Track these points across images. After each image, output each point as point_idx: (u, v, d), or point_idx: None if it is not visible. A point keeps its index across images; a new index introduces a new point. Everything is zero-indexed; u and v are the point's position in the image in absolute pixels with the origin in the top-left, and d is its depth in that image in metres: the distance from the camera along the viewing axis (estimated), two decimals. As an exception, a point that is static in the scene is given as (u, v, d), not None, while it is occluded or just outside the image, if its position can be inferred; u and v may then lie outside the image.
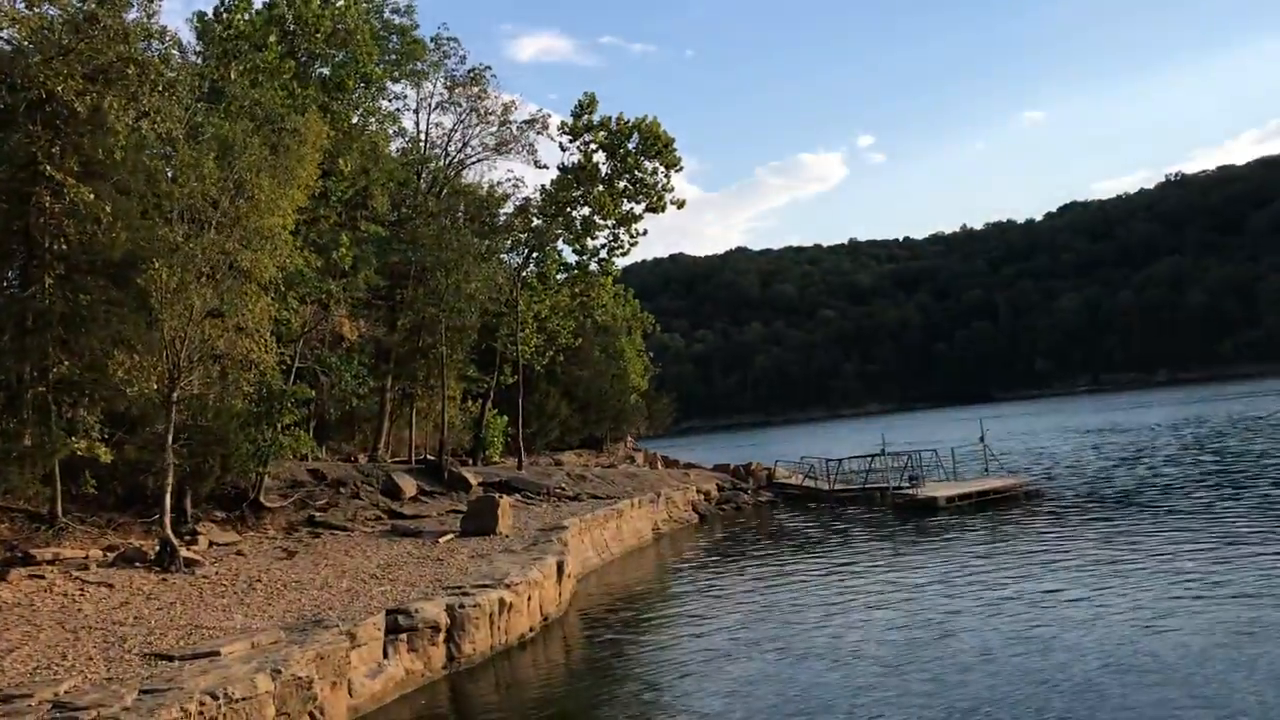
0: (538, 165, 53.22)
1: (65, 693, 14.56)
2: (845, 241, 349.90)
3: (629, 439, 73.83)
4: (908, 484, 47.53)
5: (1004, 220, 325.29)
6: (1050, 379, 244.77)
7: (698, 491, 50.80)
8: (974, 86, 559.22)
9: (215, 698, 14.29)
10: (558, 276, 55.37)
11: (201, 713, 14.04)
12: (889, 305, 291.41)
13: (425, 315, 43.31)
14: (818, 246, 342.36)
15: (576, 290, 56.03)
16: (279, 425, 30.30)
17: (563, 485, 44.04)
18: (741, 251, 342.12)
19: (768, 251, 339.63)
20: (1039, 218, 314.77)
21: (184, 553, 24.69)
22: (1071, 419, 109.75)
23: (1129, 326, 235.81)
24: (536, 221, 51.95)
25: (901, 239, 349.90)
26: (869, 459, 52.14)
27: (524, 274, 52.46)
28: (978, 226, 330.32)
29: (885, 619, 22.54)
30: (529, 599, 23.67)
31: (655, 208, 52.22)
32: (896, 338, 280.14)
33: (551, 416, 60.13)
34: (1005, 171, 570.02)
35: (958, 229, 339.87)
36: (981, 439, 52.35)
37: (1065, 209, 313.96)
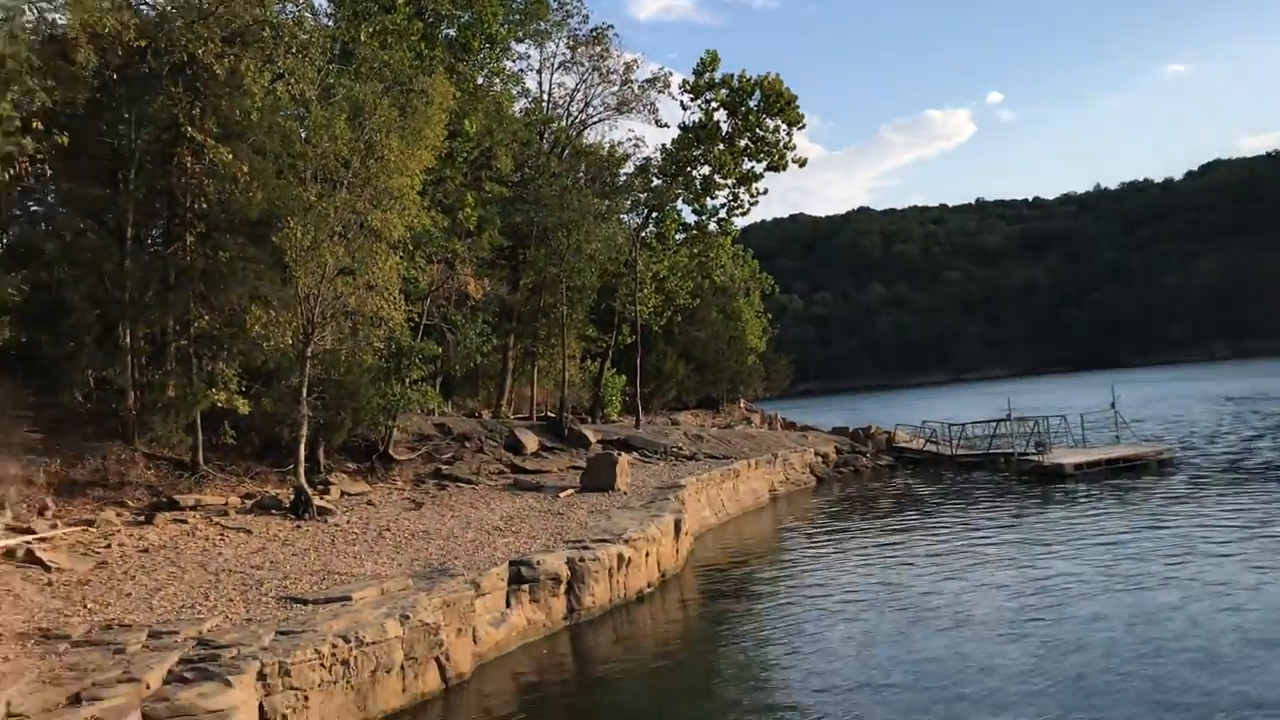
0: (659, 124, 53.25)
1: (208, 631, 15.34)
2: (972, 201, 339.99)
3: (745, 400, 73.68)
4: (1034, 450, 46.24)
5: (1140, 180, 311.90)
6: (1187, 345, 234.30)
7: (815, 454, 50.45)
8: (1112, 39, 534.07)
9: (347, 641, 14.86)
10: (676, 237, 55.35)
11: (334, 654, 14.63)
12: (1017, 267, 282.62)
13: (547, 275, 43.87)
14: (943, 206, 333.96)
15: (695, 250, 55.91)
16: (407, 380, 31.15)
17: (679, 445, 44.26)
18: (864, 211, 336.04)
19: (891, 211, 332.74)
20: (1178, 177, 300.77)
21: (317, 501, 25.67)
22: (1210, 386, 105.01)
23: (1275, 291, 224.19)
24: (656, 181, 51.95)
25: (1031, 199, 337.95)
26: (994, 424, 50.87)
27: (643, 234, 52.61)
28: (1112, 186, 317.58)
29: (1004, 584, 22.12)
30: (647, 555, 23.93)
31: (776, 166, 51.66)
32: (1024, 301, 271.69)
33: (669, 376, 60.39)
34: (1143, 129, 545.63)
35: (1091, 189, 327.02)
36: (1113, 405, 50.65)
37: (1207, 168, 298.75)
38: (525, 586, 20.05)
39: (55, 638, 14.83)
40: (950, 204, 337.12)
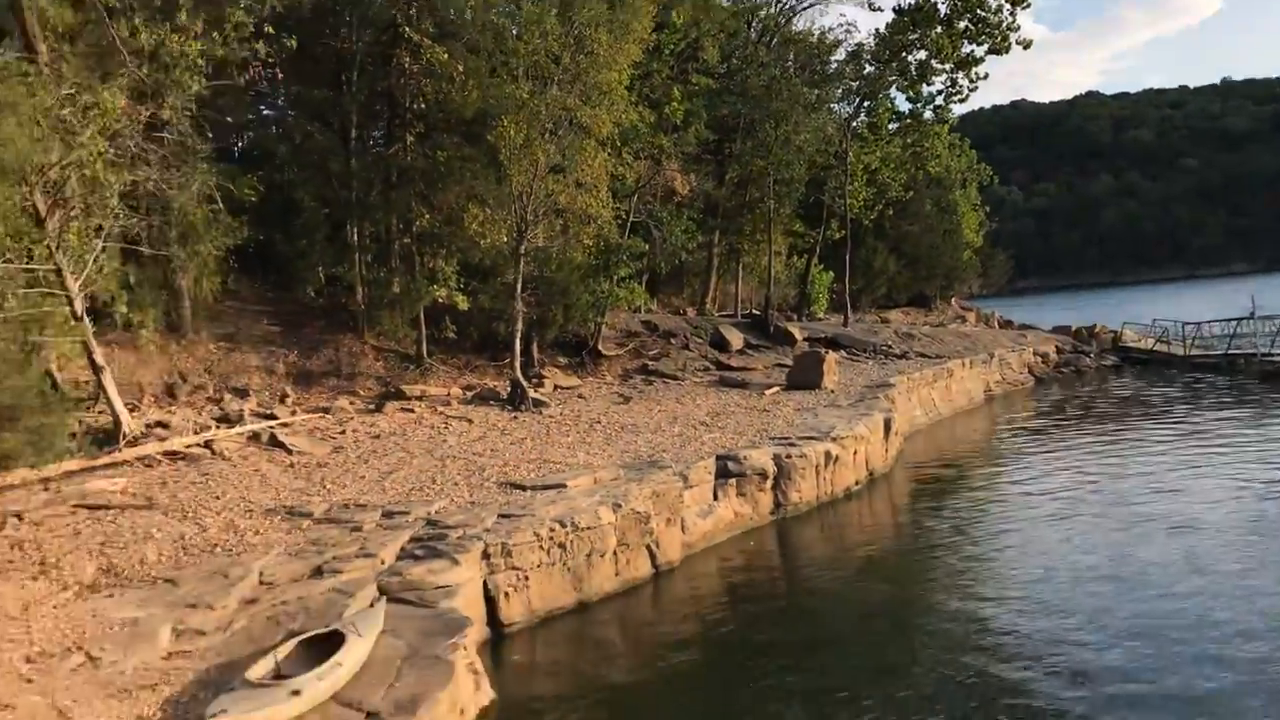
0: (871, 8, 50.85)
1: (436, 512, 16.24)
2: (1216, 82, 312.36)
3: (959, 298, 71.25)
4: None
5: None
6: None
7: (1034, 353, 48.44)
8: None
9: (563, 525, 15.43)
10: (890, 126, 53.39)
11: (551, 537, 15.24)
12: (1265, 152, 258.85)
13: (753, 169, 43.24)
14: (1182, 89, 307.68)
15: (909, 140, 53.84)
16: (615, 277, 31.61)
17: (889, 343, 43.36)
18: (1092, 96, 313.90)
19: (1123, 95, 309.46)
20: None
21: (532, 394, 26.58)
22: None
23: None
24: (868, 68, 49.99)
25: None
26: (1234, 323, 47.33)
27: (854, 124, 50.98)
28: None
29: (1233, 492, 20.73)
30: (855, 453, 23.71)
31: (998, 49, 48.73)
32: (1273, 189, 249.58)
33: (879, 273, 58.95)
34: None
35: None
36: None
37: None
38: (732, 481, 20.25)
39: (299, 515, 16.03)
40: (1191, 85, 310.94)
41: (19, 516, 14.63)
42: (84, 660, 10.48)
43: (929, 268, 62.87)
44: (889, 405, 28.21)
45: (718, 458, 20.47)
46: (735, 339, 38.30)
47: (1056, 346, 50.90)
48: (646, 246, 34.16)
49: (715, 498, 19.91)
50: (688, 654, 13.88)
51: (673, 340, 36.90)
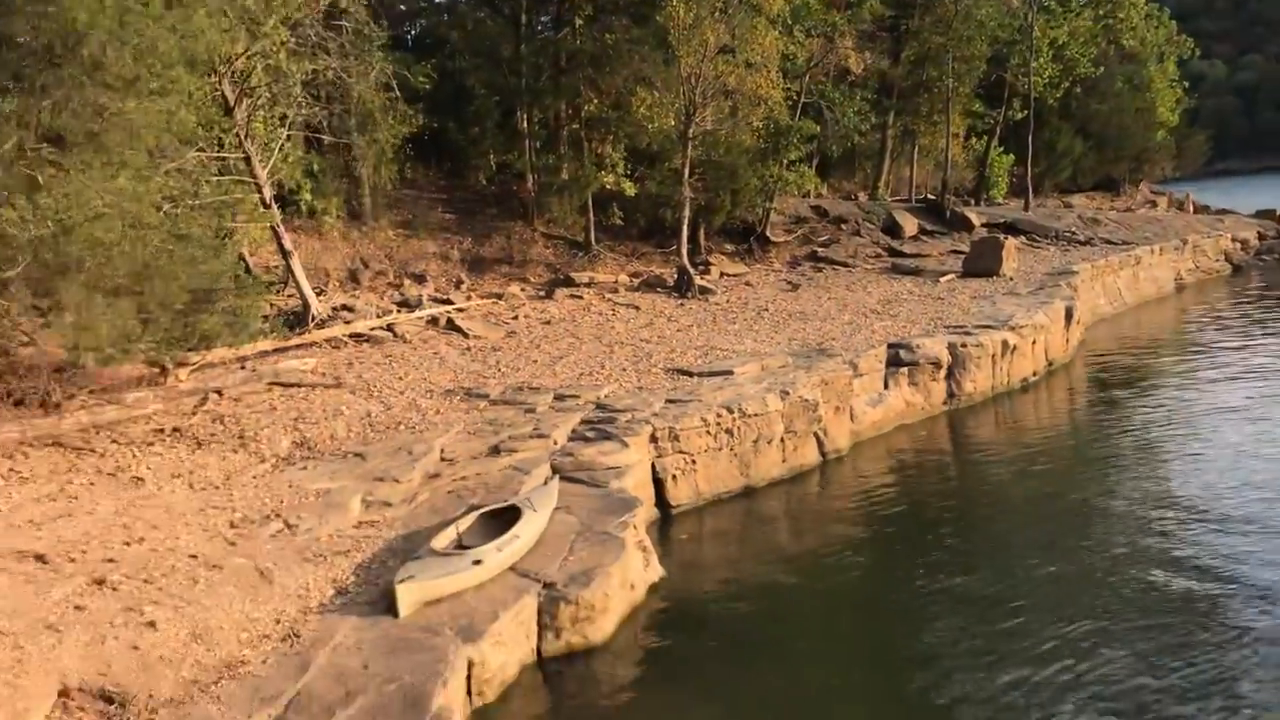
0: None
1: (605, 396, 16.53)
2: None
3: (1151, 181, 67.03)
4: None
5: None
6: None
7: (1232, 240, 45.37)
8: None
9: (730, 411, 15.49)
10: (1079, -3, 49.95)
11: (719, 423, 15.34)
12: None
13: (931, 45, 41.21)
14: None
15: (1101, 12, 50.30)
16: (785, 161, 30.93)
17: (1072, 229, 41.31)
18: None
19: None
20: None
21: (698, 281, 26.55)
22: None
23: None
24: (1058, -67, 46.69)
25: None
26: None
27: (1040, -4, 47.89)
28: None
29: None
30: (1033, 343, 22.89)
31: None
32: None
33: (1063, 155, 55.80)
34: None
35: None
36: None
37: None
38: (903, 370, 19.88)
39: (476, 396, 16.59)
40: None
41: (219, 393, 15.61)
42: (282, 527, 11.20)
43: (1118, 149, 59.05)
44: (1071, 293, 27.02)
45: (889, 346, 20.11)
46: (909, 225, 37.21)
47: (1259, 233, 47.55)
48: (818, 129, 33.21)
49: (886, 387, 19.62)
50: (852, 542, 13.86)
51: (843, 226, 36.11)
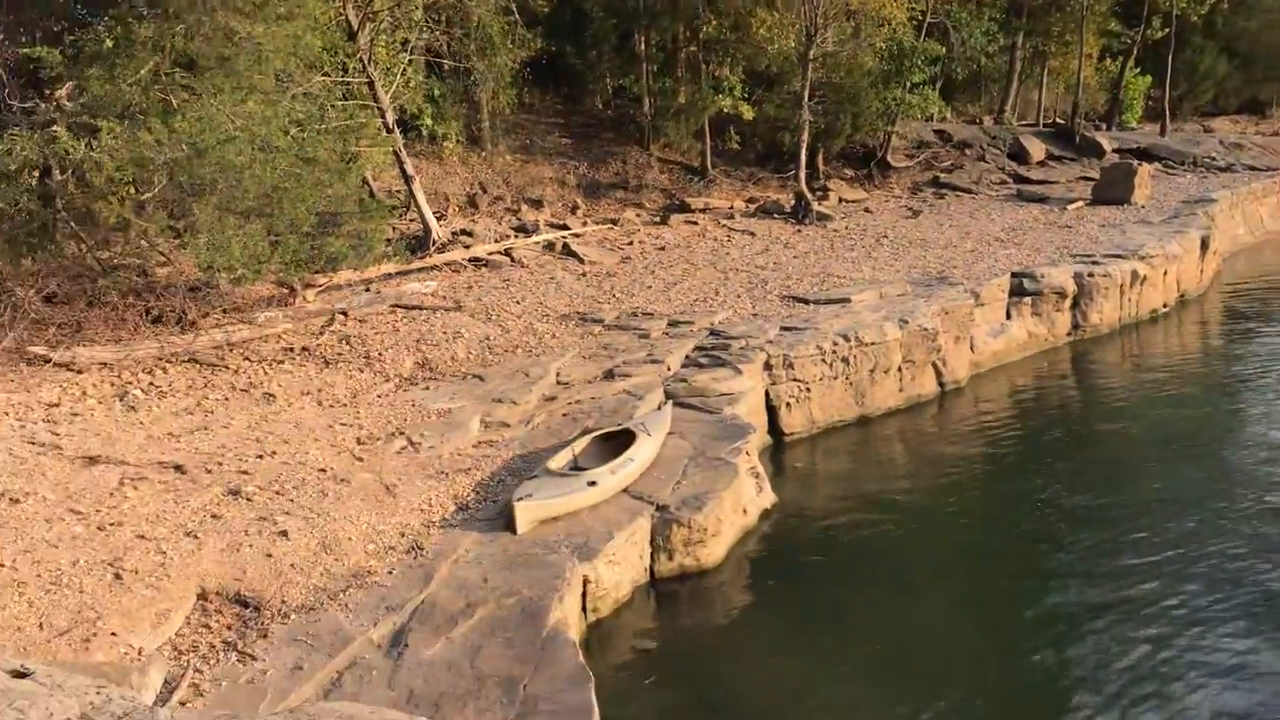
0: None
1: (719, 323, 16.50)
2: None
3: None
4: None
5: None
6: None
7: (1390, 165, 42.64)
8: None
9: (846, 339, 15.32)
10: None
11: (834, 351, 15.18)
12: None
13: (1064, -41, 39.32)
14: None
15: (1253, -79, 47.22)
16: (908, 84, 30.04)
17: (1213, 154, 39.35)
18: None
19: None
20: None
21: (816, 207, 26.16)
22: None
23: None
24: None
25: None
26: None
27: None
28: None
29: None
30: (1164, 273, 22.00)
31: None
32: None
33: (1204, 76, 52.89)
34: None
35: None
36: None
37: None
38: (1027, 299, 19.36)
39: (591, 320, 16.73)
40: None
41: (345, 314, 16.05)
42: (406, 444, 11.54)
43: (1266, 69, 55.61)
44: (1207, 222, 25.83)
45: (1013, 275, 19.57)
46: (1036, 150, 35.92)
47: None
48: (943, 50, 32.11)
49: (1008, 317, 19.15)
50: (969, 474, 13.67)
51: (967, 151, 35.05)
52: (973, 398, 16.87)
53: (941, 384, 16.77)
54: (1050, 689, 8.73)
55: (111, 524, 9.21)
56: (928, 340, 16.33)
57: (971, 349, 17.80)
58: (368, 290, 17.66)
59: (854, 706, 8.59)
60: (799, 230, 24.89)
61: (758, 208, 26.81)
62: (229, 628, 8.07)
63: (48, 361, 12.98)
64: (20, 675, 3.64)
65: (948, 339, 16.89)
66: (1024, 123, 42.69)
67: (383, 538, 9.48)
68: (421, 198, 20.81)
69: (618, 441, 11.36)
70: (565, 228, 23.49)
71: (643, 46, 28.96)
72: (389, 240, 19.61)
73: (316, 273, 16.33)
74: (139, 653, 7.54)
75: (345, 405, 12.78)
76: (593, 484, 10.30)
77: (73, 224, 14.36)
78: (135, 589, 8.22)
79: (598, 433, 11.68)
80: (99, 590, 8.15)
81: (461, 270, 19.88)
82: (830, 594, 10.35)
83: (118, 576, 8.36)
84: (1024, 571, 10.78)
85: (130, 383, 12.85)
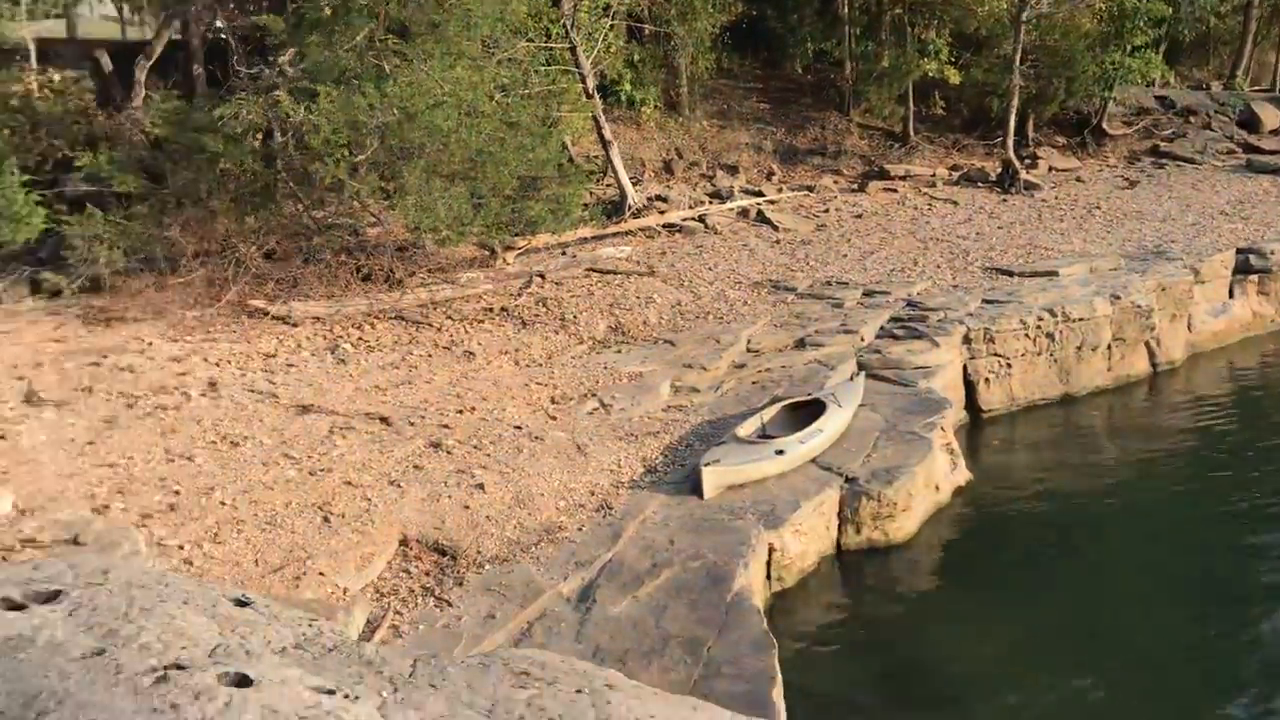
0: None
1: (917, 294, 16.08)
2: None
3: None
4: None
5: None
6: None
7: None
8: None
9: (1053, 314, 14.68)
10: None
11: (1039, 327, 14.58)
12: None
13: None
14: None
15: None
16: (1128, 47, 28.29)
17: None
18: None
19: None
20: None
21: (1024, 175, 25.05)
22: None
23: None
24: None
25: None
26: None
27: None
28: None
29: None
30: None
31: None
32: None
33: None
34: None
35: None
36: None
37: None
38: (1253, 277, 18.08)
39: (783, 289, 16.58)
40: None
41: (542, 277, 16.42)
42: (598, 406, 11.75)
43: None
44: None
45: (1238, 251, 18.30)
46: (1270, 117, 33.31)
47: None
48: (1169, 10, 30.05)
49: (1231, 295, 17.93)
50: (1177, 461, 12.96)
51: (1191, 119, 32.83)
52: (1188, 380, 15.93)
53: (1154, 364, 15.88)
54: (1261, 671, 8.24)
55: (322, 470, 9.76)
56: (1141, 317, 15.46)
57: (1189, 328, 16.78)
58: (564, 254, 18.01)
59: (1043, 688, 8.31)
60: (1005, 199, 23.92)
61: (961, 175, 25.89)
62: (427, 574, 8.44)
63: (266, 314, 13.85)
64: (242, 604, 3.91)
65: (1163, 317, 15.96)
66: (1257, 88, 39.59)
67: (573, 495, 9.70)
68: (619, 163, 21.02)
69: (807, 412, 11.24)
70: (760, 194, 23.29)
71: (845, 9, 28.29)
72: (585, 205, 19.89)
73: (516, 235, 16.73)
74: (344, 592, 7.99)
75: (541, 365, 13.10)
76: (780, 453, 10.24)
77: (291, 184, 15.18)
78: (342, 532, 8.70)
79: (787, 401, 11.59)
80: (309, 531, 8.67)
81: (655, 236, 20.02)
82: (1023, 576, 10.01)
83: (326, 519, 8.87)
84: (1223, 580, 10.11)
85: (341, 337, 13.57)
